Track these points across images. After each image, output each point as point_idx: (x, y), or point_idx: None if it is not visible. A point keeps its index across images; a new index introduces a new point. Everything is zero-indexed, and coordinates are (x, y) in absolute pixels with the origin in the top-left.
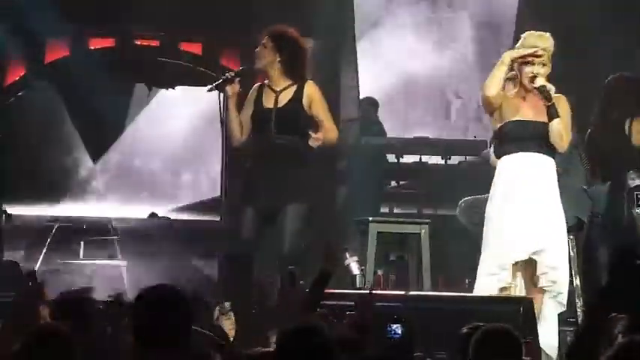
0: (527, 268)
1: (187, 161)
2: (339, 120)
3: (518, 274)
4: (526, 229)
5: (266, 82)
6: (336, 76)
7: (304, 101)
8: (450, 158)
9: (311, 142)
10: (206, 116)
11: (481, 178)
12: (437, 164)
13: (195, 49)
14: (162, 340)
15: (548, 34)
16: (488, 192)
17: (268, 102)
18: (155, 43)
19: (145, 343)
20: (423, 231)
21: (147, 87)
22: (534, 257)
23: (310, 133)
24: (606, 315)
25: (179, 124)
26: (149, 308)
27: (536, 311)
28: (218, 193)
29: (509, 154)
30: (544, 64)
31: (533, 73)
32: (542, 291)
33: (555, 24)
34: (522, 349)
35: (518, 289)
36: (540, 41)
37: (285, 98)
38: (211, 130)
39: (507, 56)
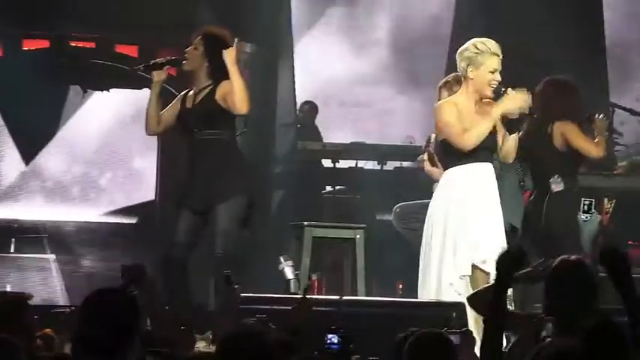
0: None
1: (121, 164)
2: (275, 125)
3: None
4: (483, 238)
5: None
6: (273, 81)
7: (217, 96)
8: (385, 164)
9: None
10: (141, 119)
11: (416, 184)
12: (373, 169)
13: (131, 51)
14: (106, 346)
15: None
16: (423, 198)
17: (189, 102)
18: (90, 44)
19: (87, 349)
20: (358, 236)
21: (81, 89)
22: (483, 267)
23: None
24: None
25: (113, 126)
26: (95, 312)
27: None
28: (152, 196)
29: (463, 163)
30: (500, 72)
31: (496, 82)
32: None
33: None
34: (455, 353)
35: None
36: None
37: (201, 96)
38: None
39: (497, 113)
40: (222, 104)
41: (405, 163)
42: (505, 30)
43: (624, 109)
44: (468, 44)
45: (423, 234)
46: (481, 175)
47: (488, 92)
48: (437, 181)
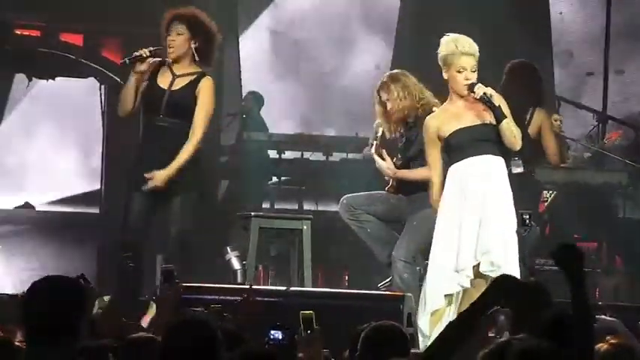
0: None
1: (66, 153)
2: (221, 114)
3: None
4: (477, 233)
5: (167, 61)
6: (219, 72)
7: (197, 91)
8: (331, 155)
9: None
10: (86, 107)
11: (362, 176)
12: (318, 160)
13: (76, 40)
14: (56, 334)
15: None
16: (369, 189)
17: (163, 82)
18: (35, 32)
19: (38, 338)
20: (304, 226)
21: (27, 77)
22: (480, 259)
23: None
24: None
25: (59, 115)
26: (43, 300)
27: None
28: (97, 186)
29: (460, 160)
30: (474, 71)
31: (468, 81)
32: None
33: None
34: (409, 345)
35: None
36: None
37: (181, 83)
38: (92, 122)
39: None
40: (197, 98)
41: (351, 155)
42: (452, 20)
43: (570, 102)
44: (441, 44)
45: (436, 227)
46: (480, 166)
47: (463, 91)
48: (386, 175)
